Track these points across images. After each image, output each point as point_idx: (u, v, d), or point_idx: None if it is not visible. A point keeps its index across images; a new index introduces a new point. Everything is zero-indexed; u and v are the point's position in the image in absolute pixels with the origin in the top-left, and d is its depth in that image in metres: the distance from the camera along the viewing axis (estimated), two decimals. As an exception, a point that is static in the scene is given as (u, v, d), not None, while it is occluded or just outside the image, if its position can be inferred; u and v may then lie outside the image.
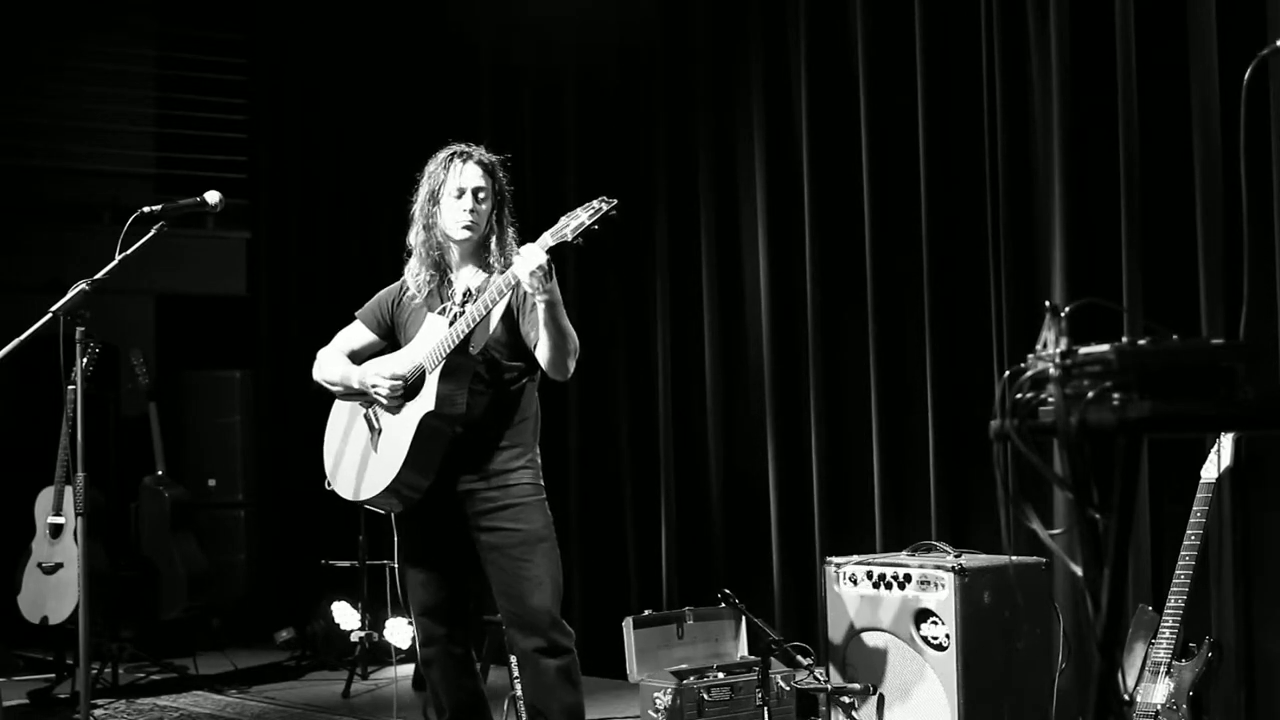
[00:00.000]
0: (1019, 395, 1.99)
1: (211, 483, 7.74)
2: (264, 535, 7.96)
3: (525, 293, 3.79)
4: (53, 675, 6.29)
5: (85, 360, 4.02)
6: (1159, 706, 3.94)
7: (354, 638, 6.53)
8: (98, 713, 5.76)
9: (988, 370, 5.10)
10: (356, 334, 4.17)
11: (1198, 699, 3.93)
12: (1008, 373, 2.02)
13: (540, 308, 3.69)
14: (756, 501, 5.95)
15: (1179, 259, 4.53)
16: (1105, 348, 1.92)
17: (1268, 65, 4.06)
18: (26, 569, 6.19)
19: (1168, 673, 3.96)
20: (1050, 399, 1.94)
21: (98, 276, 3.90)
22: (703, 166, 6.25)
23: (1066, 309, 1.99)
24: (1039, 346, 1.98)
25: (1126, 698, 3.96)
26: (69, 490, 5.96)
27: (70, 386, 5.19)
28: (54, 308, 3.86)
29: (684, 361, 6.33)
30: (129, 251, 3.94)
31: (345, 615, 6.78)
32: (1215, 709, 4.13)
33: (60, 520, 6.07)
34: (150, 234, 4.01)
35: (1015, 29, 5.03)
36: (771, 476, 5.86)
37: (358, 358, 4.11)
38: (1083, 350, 1.94)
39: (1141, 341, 1.93)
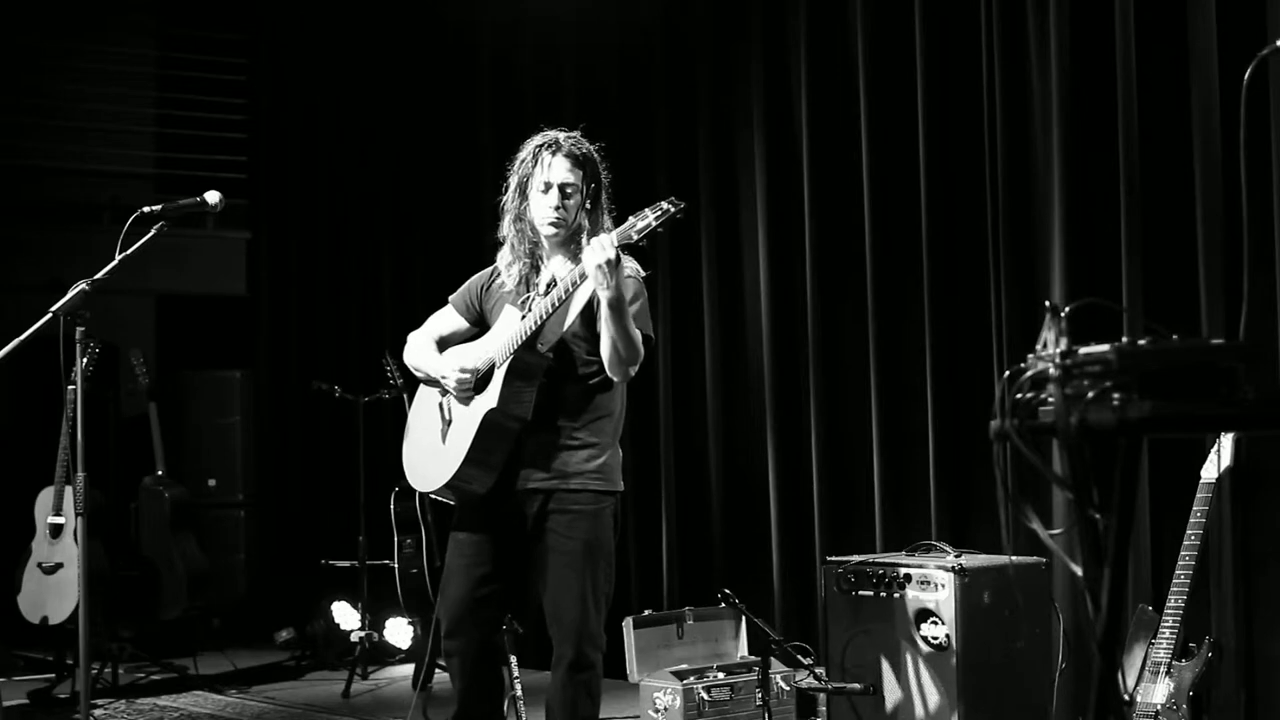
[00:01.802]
0: (1019, 395, 1.98)
1: (211, 483, 7.73)
2: (264, 535, 7.96)
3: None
4: (53, 675, 6.29)
5: (85, 360, 4.02)
6: (1159, 706, 3.94)
7: (354, 638, 6.53)
8: (98, 713, 5.76)
9: (988, 370, 5.11)
10: (447, 319, 4.09)
11: (1198, 699, 3.93)
12: (1008, 373, 2.02)
13: (602, 303, 3.62)
14: (756, 501, 5.95)
15: (1179, 259, 4.53)
16: (1105, 348, 1.92)
17: (1268, 65, 4.06)
18: (26, 569, 6.18)
19: (1168, 673, 3.96)
20: (1050, 399, 1.94)
21: (98, 276, 3.89)
22: (703, 166, 6.25)
23: (1066, 309, 1.99)
24: (1039, 346, 1.98)
25: (1126, 698, 3.96)
26: (69, 490, 5.95)
27: (70, 386, 5.19)
28: (54, 308, 3.86)
29: (684, 361, 6.33)
30: (129, 251, 3.93)
31: (345, 615, 6.77)
32: (1215, 709, 4.13)
33: (60, 520, 6.07)
34: (150, 234, 4.00)
35: (1015, 30, 5.03)
36: (771, 476, 5.86)
37: (447, 343, 4.04)
38: (1083, 350, 1.94)
39: (1141, 341, 1.92)
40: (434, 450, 3.94)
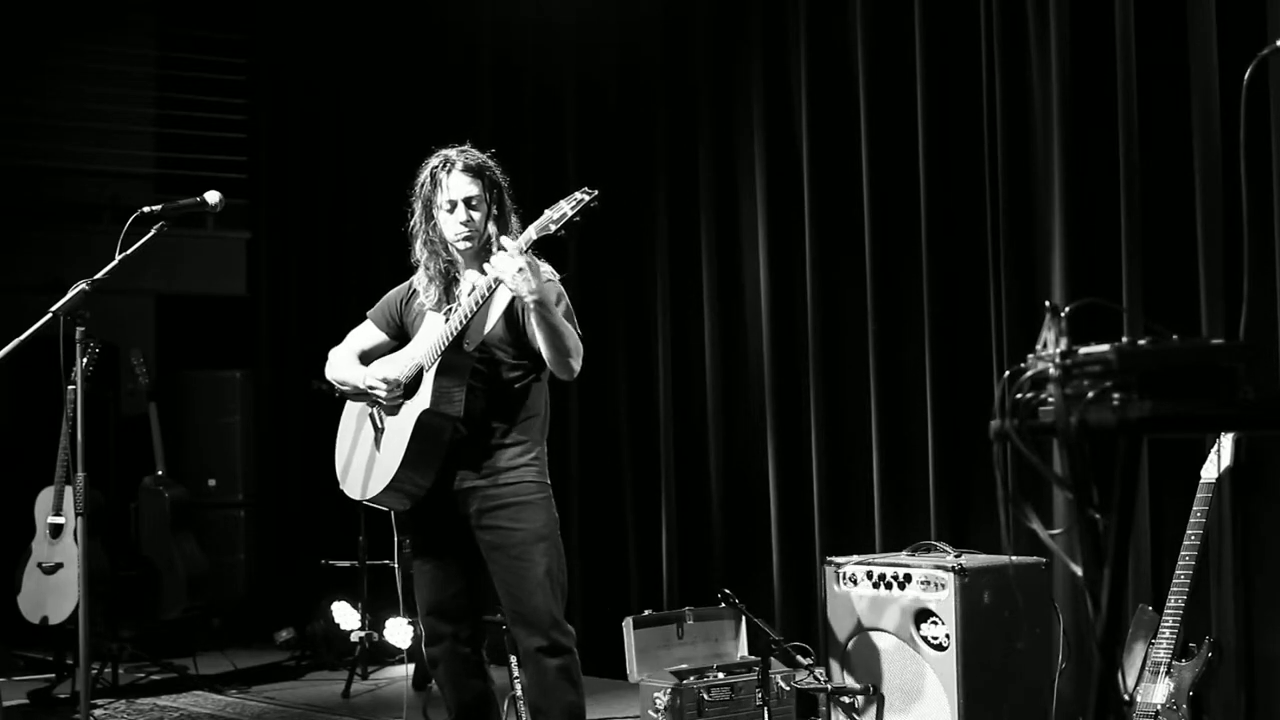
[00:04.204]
0: (1019, 395, 1.98)
1: (211, 483, 7.73)
2: (264, 535, 7.96)
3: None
4: (53, 675, 6.29)
5: (85, 360, 4.02)
6: (1159, 706, 3.94)
7: (354, 638, 6.53)
8: (98, 713, 5.76)
9: (988, 370, 5.10)
10: (367, 334, 4.18)
11: (1198, 699, 3.93)
12: (1008, 373, 2.02)
13: (530, 309, 3.71)
14: (756, 501, 5.95)
15: (1179, 259, 4.53)
16: (1105, 348, 1.92)
17: (1268, 65, 4.06)
18: (26, 569, 6.18)
19: (1168, 673, 3.96)
20: (1050, 399, 1.94)
21: (98, 276, 3.90)
22: (703, 166, 6.25)
23: (1066, 309, 1.99)
24: (1039, 346, 1.98)
25: (1126, 698, 3.96)
26: (69, 490, 5.95)
27: (70, 386, 5.18)
28: (54, 308, 3.86)
29: (684, 361, 6.32)
30: (129, 251, 3.94)
31: (345, 615, 6.77)
32: (1215, 709, 4.13)
33: (60, 520, 6.07)
34: (150, 234, 4.01)
35: (1015, 29, 5.03)
36: (771, 476, 5.86)
37: (368, 357, 4.13)
38: (1083, 350, 1.94)
39: (1141, 341, 1.92)
40: (369, 459, 4.01)
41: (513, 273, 3.63)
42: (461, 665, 4.01)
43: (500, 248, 3.76)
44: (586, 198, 3.66)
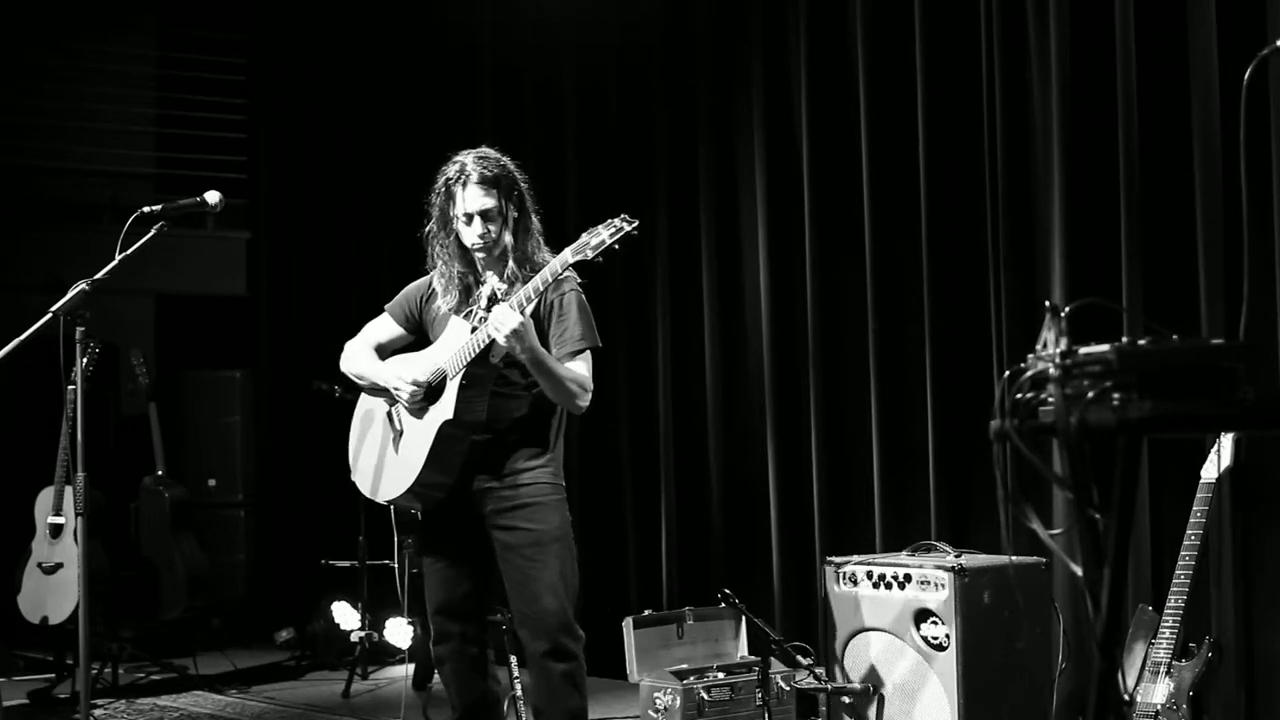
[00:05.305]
0: (1019, 395, 1.98)
1: (211, 483, 7.74)
2: (264, 535, 7.96)
3: (552, 301, 3.86)
4: (53, 675, 6.29)
5: (85, 360, 4.02)
6: (1159, 706, 3.94)
7: (354, 638, 6.53)
8: (98, 713, 5.76)
9: (988, 370, 5.10)
10: (384, 327, 4.17)
11: (1198, 699, 3.93)
12: (1008, 373, 2.02)
13: (526, 363, 3.74)
14: (756, 501, 5.95)
15: (1179, 259, 4.53)
16: (1105, 348, 1.92)
17: (1268, 65, 4.06)
18: (26, 569, 6.18)
19: (1168, 673, 3.96)
20: (1050, 399, 1.94)
21: (98, 276, 3.90)
22: (703, 166, 6.26)
23: (1066, 309, 1.99)
24: (1039, 346, 1.98)
25: (1126, 698, 3.96)
26: (69, 490, 5.95)
27: (70, 386, 5.19)
28: (54, 308, 3.86)
29: (684, 362, 6.33)
30: (129, 251, 3.94)
31: (345, 615, 6.77)
32: (1215, 709, 4.13)
33: (60, 520, 6.07)
34: (150, 234, 4.01)
35: (1015, 29, 5.03)
36: (771, 476, 5.86)
37: (384, 351, 4.13)
38: (1083, 350, 1.94)
39: (1141, 341, 1.93)
40: (388, 460, 4.01)
41: (507, 333, 3.64)
42: (468, 665, 4.00)
43: (492, 298, 3.77)
44: (628, 227, 3.61)
